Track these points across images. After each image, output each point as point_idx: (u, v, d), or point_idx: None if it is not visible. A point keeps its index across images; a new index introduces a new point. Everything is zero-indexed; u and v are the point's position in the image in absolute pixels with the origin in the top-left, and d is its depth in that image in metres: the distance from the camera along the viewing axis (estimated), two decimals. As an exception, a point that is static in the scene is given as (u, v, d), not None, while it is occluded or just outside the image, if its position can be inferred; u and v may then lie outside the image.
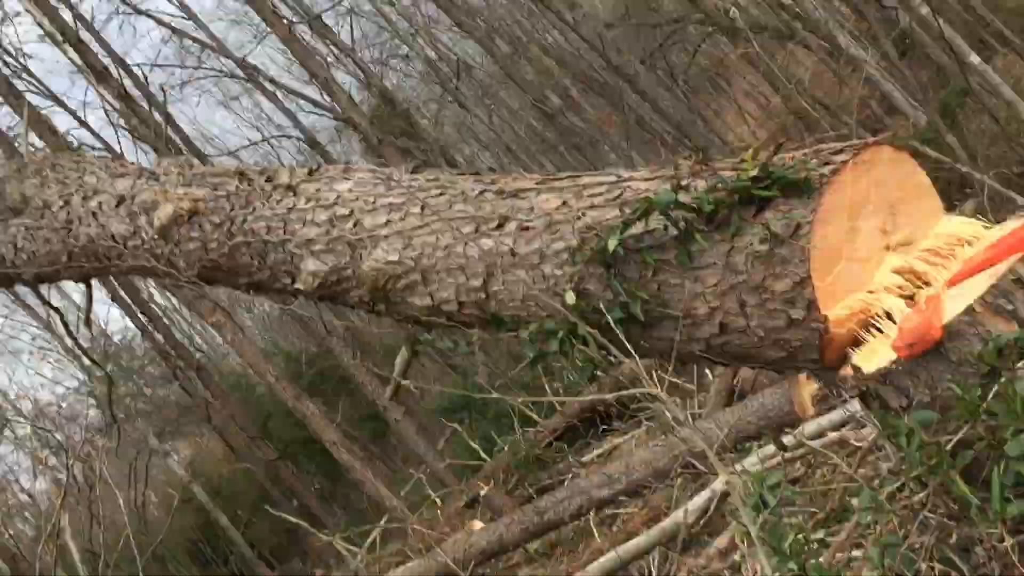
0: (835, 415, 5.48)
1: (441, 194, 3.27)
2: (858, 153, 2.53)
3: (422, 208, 3.26)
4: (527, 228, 2.97)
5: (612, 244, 2.70)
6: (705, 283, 2.60)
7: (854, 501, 2.50)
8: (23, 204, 4.67)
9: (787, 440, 5.77)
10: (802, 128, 13.67)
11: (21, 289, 21.97)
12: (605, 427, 9.96)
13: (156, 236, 3.94)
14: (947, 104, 12.66)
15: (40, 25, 12.79)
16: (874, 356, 2.37)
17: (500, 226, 3.04)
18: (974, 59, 10.85)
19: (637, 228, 2.71)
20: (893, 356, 2.27)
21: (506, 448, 10.45)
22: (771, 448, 5.93)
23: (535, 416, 10.83)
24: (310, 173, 3.72)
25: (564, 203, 2.96)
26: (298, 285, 3.54)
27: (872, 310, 2.44)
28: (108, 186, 4.32)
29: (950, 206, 2.79)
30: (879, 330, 2.39)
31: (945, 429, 2.12)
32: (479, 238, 3.07)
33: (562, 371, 10.36)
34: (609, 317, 2.71)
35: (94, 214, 4.28)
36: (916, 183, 2.65)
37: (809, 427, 5.78)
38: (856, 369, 2.36)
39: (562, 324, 2.84)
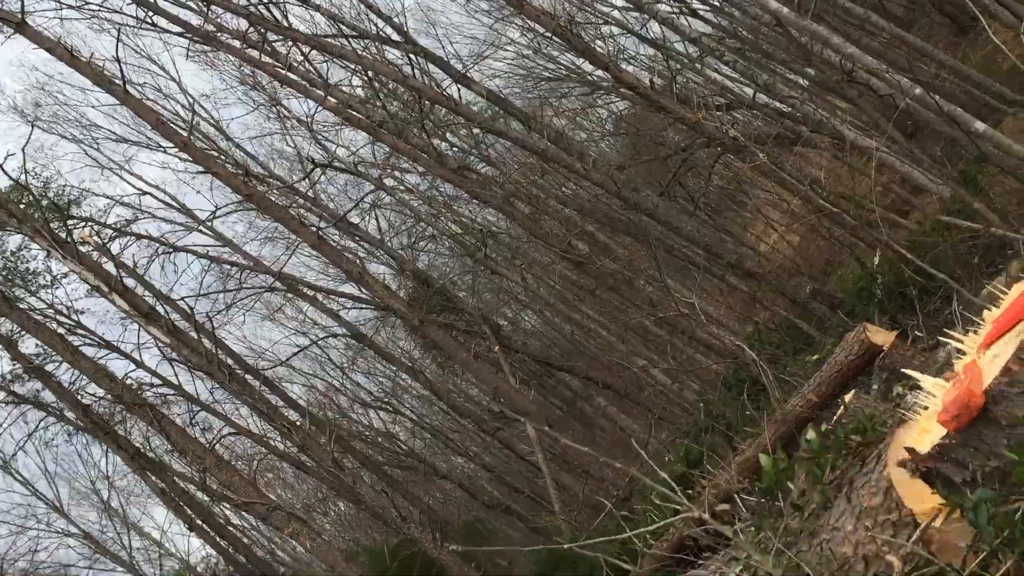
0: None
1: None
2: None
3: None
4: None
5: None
6: (844, 528, 3.24)
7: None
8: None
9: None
10: (829, 224, 13.72)
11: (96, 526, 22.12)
12: (701, 562, 9.63)
13: None
14: (967, 173, 12.69)
15: (86, 281, 13.43)
16: (926, 435, 2.33)
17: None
18: (979, 126, 10.96)
19: None
20: (943, 431, 2.23)
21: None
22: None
23: (628, 566, 10.51)
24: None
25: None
26: None
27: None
28: None
29: (995, 270, 2.88)
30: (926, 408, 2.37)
31: (1013, 494, 2.06)
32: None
33: (646, 513, 10.14)
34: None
35: None
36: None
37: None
38: (912, 451, 2.32)
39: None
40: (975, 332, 2.53)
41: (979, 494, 2.05)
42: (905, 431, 2.68)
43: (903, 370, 2.69)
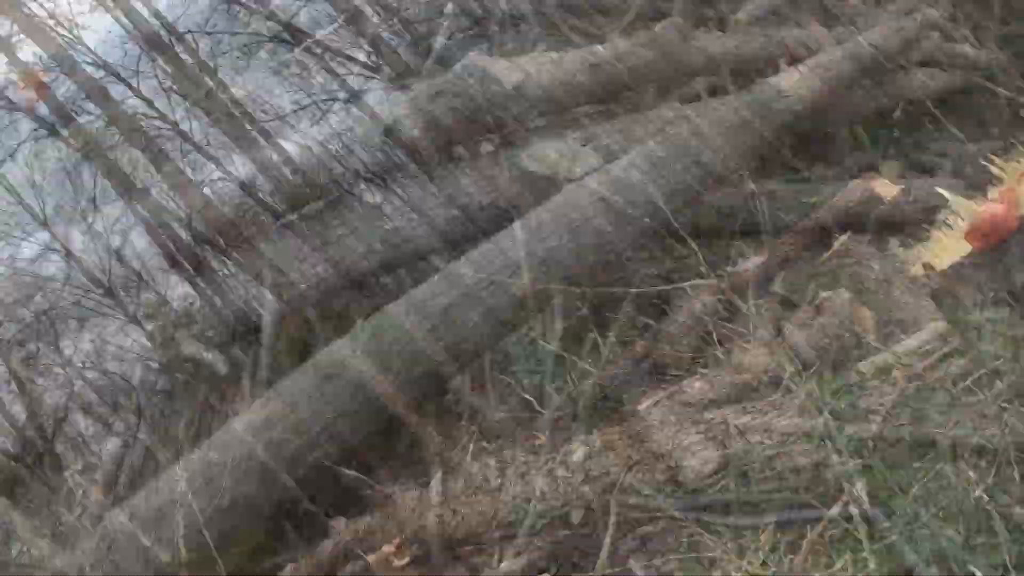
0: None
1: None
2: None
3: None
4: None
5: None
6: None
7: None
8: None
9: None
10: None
11: (78, 247, 22.47)
12: (661, 376, 9.89)
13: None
14: (1006, 37, 12.21)
15: (90, -7, 12.90)
16: (945, 253, 2.30)
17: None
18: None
19: None
20: (966, 250, 2.19)
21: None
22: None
23: (591, 368, 10.79)
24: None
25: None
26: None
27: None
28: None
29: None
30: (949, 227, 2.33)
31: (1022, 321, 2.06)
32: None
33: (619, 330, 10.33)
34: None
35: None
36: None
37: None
38: (928, 267, 2.30)
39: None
40: (1017, 161, 2.46)
41: (992, 314, 2.04)
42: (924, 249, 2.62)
43: (936, 188, 2.57)
